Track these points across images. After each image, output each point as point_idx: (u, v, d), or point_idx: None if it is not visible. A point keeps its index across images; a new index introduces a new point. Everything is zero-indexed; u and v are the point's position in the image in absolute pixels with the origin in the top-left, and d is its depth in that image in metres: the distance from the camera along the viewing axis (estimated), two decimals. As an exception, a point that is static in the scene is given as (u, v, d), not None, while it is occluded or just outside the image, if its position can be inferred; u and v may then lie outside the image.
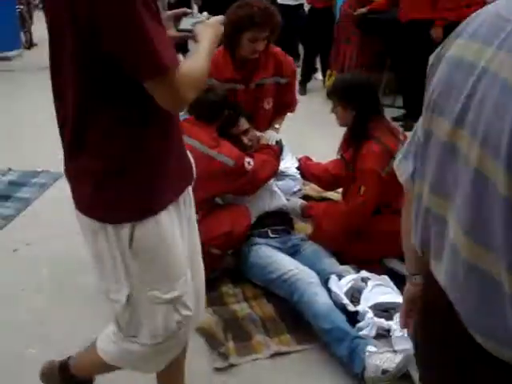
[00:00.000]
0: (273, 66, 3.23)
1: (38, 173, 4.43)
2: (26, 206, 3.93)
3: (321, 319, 2.41)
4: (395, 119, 5.67)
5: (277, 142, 3.19)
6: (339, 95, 2.87)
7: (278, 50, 3.34)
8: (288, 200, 3.16)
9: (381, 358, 2.21)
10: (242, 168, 2.82)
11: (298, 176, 3.30)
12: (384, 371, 2.18)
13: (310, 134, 5.28)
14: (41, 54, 9.69)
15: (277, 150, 3.06)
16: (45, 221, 3.70)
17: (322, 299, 2.48)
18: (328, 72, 6.77)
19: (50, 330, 2.63)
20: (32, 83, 7.57)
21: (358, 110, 2.80)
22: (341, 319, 2.41)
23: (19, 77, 7.96)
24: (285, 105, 3.42)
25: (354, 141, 2.86)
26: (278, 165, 3.11)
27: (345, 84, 2.92)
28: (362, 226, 2.85)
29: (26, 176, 4.38)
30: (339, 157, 3.05)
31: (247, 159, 2.86)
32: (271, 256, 2.80)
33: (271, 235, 2.98)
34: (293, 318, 2.61)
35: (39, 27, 10.46)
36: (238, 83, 3.18)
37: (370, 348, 2.26)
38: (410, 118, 5.45)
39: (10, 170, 4.51)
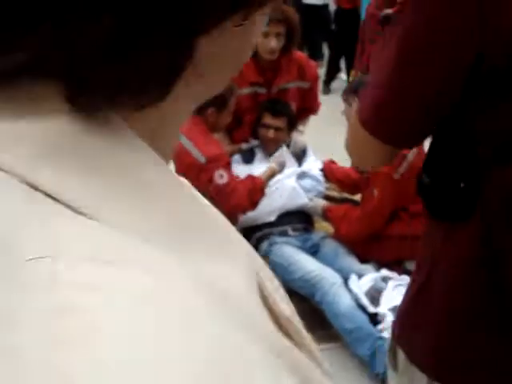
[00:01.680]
0: (296, 71, 3.26)
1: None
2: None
3: (343, 319, 2.43)
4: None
5: (302, 150, 3.31)
6: (352, 96, 2.88)
7: (300, 54, 3.43)
8: (311, 200, 3.17)
9: None
10: (210, 171, 2.66)
11: (321, 177, 3.30)
12: None
13: (331, 133, 5.25)
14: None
15: (259, 186, 2.81)
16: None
17: (344, 300, 2.49)
18: (352, 72, 6.75)
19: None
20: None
21: None
22: (363, 319, 2.42)
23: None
24: (307, 109, 3.49)
25: None
26: (249, 205, 2.80)
27: (358, 85, 2.92)
28: (380, 230, 2.85)
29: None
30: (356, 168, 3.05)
31: (221, 171, 2.68)
32: (293, 255, 2.81)
33: (291, 233, 3.00)
34: (313, 316, 2.62)
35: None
36: (259, 87, 3.22)
37: None
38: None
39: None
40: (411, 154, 2.74)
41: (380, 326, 2.41)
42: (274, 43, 2.99)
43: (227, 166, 2.78)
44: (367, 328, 2.38)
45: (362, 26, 6.65)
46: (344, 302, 2.49)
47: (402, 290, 2.53)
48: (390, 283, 2.60)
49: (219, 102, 2.77)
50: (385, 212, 2.82)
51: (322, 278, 2.59)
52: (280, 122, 3.11)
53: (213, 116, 2.78)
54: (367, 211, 2.84)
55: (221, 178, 2.68)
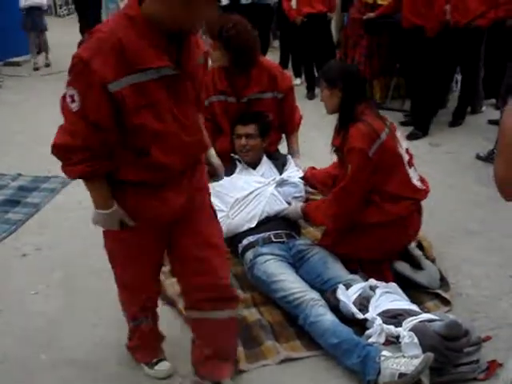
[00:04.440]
0: (266, 81, 3.26)
1: (47, 178, 4.45)
2: (36, 211, 3.95)
3: (327, 335, 2.40)
4: (403, 124, 5.65)
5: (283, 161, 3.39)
6: (325, 79, 2.87)
7: (272, 64, 3.43)
8: (289, 204, 3.15)
9: (397, 363, 2.17)
10: None
11: (300, 183, 3.29)
12: (401, 375, 2.14)
13: (316, 139, 5.26)
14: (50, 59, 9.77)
15: None
16: (54, 226, 3.72)
17: (326, 317, 2.46)
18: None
19: (60, 336, 2.64)
20: (41, 88, 7.62)
21: (344, 93, 2.79)
22: (348, 332, 2.39)
23: (28, 82, 8.01)
24: (287, 122, 3.46)
25: (341, 125, 2.82)
26: None
27: (330, 68, 2.92)
28: (355, 213, 2.78)
29: (36, 181, 4.40)
30: (332, 151, 2.97)
31: None
32: (275, 274, 2.74)
33: (274, 239, 2.96)
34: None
35: (49, 33, 10.53)
36: (228, 96, 3.26)
37: (386, 353, 2.23)
38: (415, 124, 5.47)
39: (19, 175, 4.53)
40: (384, 134, 2.71)
41: (368, 331, 2.39)
42: (211, 55, 3.04)
43: None
44: (353, 339, 2.35)
45: (344, 30, 6.67)
46: (326, 318, 2.46)
47: (390, 297, 2.54)
48: (378, 290, 2.57)
49: None
50: (357, 188, 2.72)
51: (303, 301, 2.54)
52: (249, 129, 3.21)
53: None
54: (339, 188, 2.77)
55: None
